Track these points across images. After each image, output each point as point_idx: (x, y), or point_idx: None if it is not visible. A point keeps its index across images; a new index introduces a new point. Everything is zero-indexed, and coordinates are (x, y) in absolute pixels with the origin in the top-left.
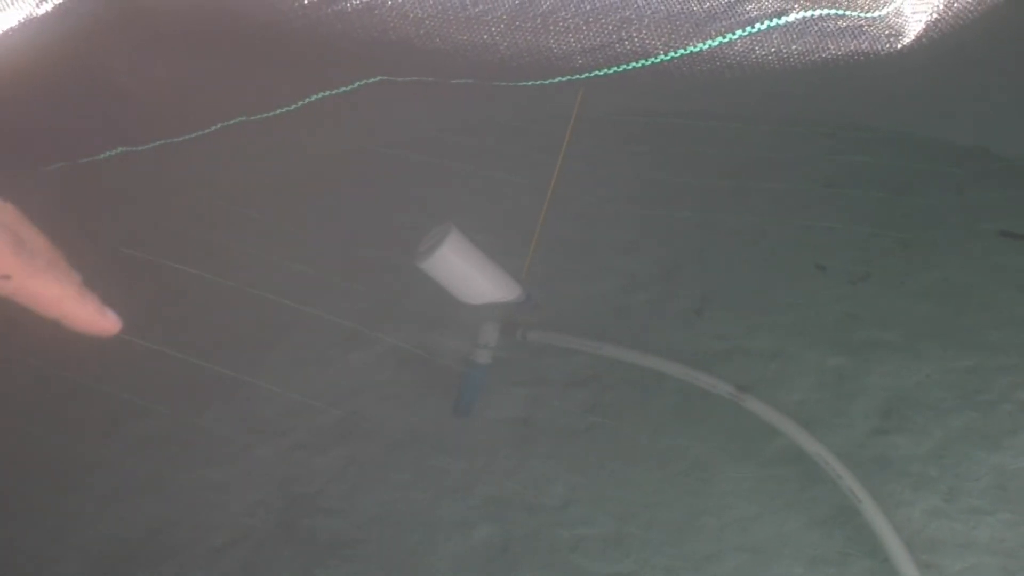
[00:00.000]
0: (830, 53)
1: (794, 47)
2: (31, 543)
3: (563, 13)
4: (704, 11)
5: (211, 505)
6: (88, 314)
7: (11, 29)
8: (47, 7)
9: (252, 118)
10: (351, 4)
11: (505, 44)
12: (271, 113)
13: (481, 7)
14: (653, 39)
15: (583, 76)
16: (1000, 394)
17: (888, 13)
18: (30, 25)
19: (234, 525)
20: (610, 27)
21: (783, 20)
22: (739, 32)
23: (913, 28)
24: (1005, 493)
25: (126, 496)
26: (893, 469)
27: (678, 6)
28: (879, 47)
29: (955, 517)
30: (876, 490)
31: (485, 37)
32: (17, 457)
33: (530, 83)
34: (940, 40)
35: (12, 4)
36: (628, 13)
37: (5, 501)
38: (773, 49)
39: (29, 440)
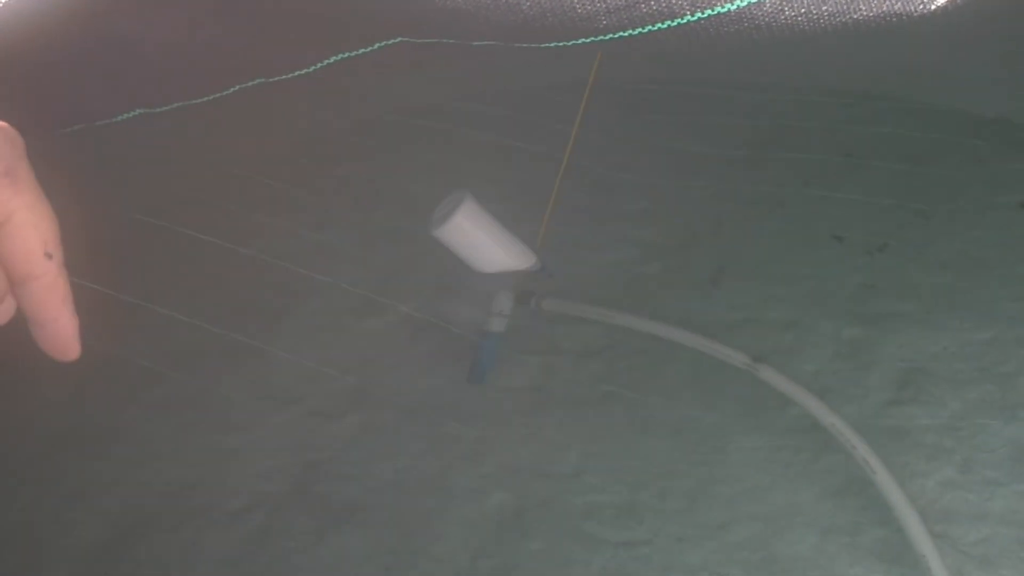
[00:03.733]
0: (861, 14)
1: (824, 8)
2: (51, 507)
3: None
4: None
5: (228, 470)
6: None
7: None
8: None
9: (270, 80)
10: None
11: (528, 4)
12: (289, 75)
13: None
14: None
15: (607, 38)
16: (1018, 366)
17: None
18: None
19: (250, 490)
20: None
21: None
22: None
23: None
24: (1021, 465)
25: (144, 461)
26: (908, 440)
27: None
28: (911, 8)
29: (970, 488)
30: (890, 461)
31: None
32: (36, 422)
33: (552, 44)
34: (972, 2)
35: None
36: None
37: (25, 466)
38: (803, 10)
39: (48, 406)
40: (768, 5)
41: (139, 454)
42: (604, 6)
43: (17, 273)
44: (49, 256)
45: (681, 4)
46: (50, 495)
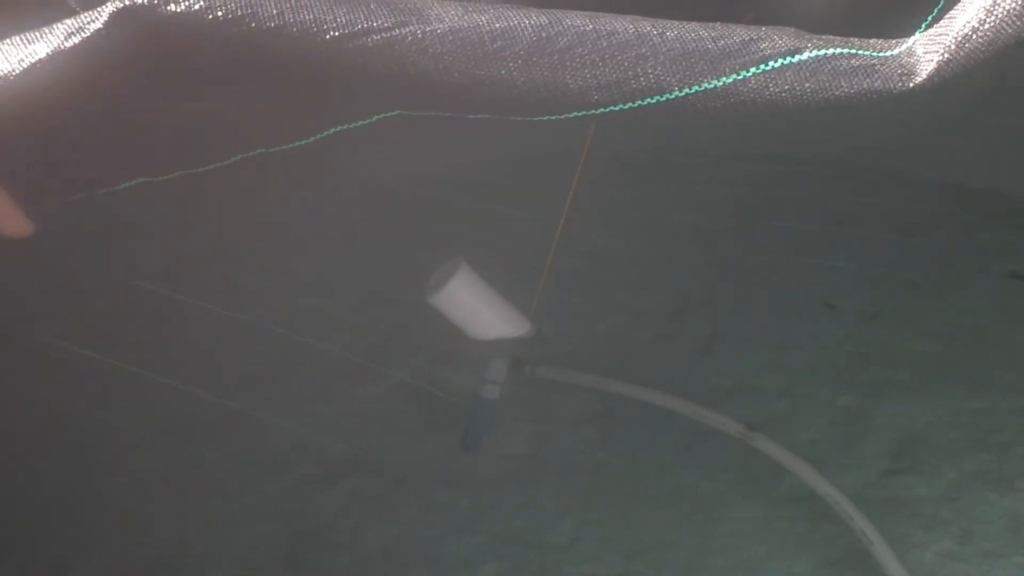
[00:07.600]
0: (843, 91)
1: (807, 85)
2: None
3: (580, 50)
4: (718, 49)
5: (216, 539)
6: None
7: (39, 61)
8: (75, 40)
9: (271, 150)
10: (372, 39)
11: (522, 79)
12: (289, 146)
13: (499, 43)
14: (668, 76)
15: (598, 111)
16: (1013, 436)
17: (900, 53)
18: (58, 58)
19: (239, 559)
20: (626, 64)
21: (796, 59)
22: (753, 70)
23: (925, 67)
24: (1020, 536)
25: (130, 530)
26: (905, 510)
27: (693, 44)
28: (891, 86)
29: (969, 560)
30: (888, 531)
31: (503, 72)
32: (19, 489)
33: (546, 118)
34: (952, 80)
35: (41, 38)
36: (644, 50)
37: (8, 534)
38: (787, 87)
39: (32, 472)
40: (752, 82)
41: (126, 522)
42: (596, 82)
43: None
44: None
45: (670, 81)
46: (33, 564)
